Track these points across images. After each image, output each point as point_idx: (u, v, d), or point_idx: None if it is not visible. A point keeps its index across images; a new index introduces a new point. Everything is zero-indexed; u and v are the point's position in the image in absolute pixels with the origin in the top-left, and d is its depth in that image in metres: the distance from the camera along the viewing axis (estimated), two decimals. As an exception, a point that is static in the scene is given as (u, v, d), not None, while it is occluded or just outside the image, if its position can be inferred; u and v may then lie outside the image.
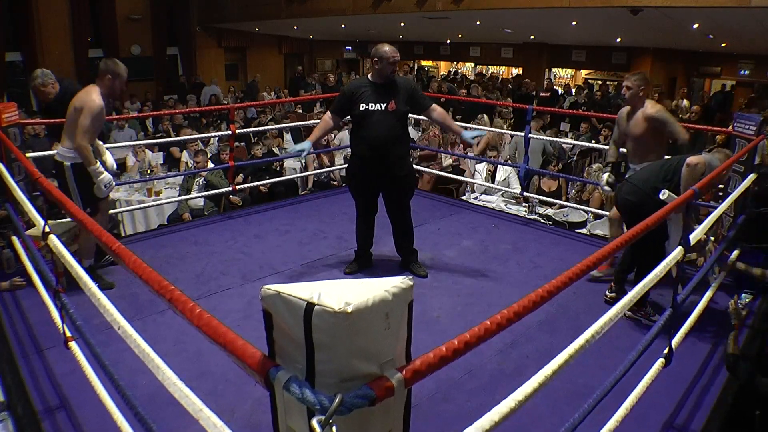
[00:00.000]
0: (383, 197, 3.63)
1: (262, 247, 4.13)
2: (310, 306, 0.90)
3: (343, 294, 0.90)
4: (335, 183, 6.52)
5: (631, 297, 1.76)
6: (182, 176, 6.04)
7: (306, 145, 3.45)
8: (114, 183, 3.47)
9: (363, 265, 3.78)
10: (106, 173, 3.35)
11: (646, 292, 2.72)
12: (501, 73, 15.92)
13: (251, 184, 5.90)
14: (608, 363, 2.30)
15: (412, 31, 13.98)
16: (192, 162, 6.20)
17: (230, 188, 5.13)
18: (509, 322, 1.10)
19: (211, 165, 5.99)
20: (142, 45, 13.71)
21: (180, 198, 5.62)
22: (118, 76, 3.26)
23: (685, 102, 10.95)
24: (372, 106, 3.36)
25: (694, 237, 2.24)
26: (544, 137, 6.66)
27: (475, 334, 1.02)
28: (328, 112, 3.60)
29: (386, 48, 3.35)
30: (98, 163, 3.34)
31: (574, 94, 12.37)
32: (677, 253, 2.08)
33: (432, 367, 0.98)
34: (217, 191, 5.32)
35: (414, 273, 3.65)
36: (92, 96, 3.20)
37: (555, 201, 5.22)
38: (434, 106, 3.54)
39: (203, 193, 5.50)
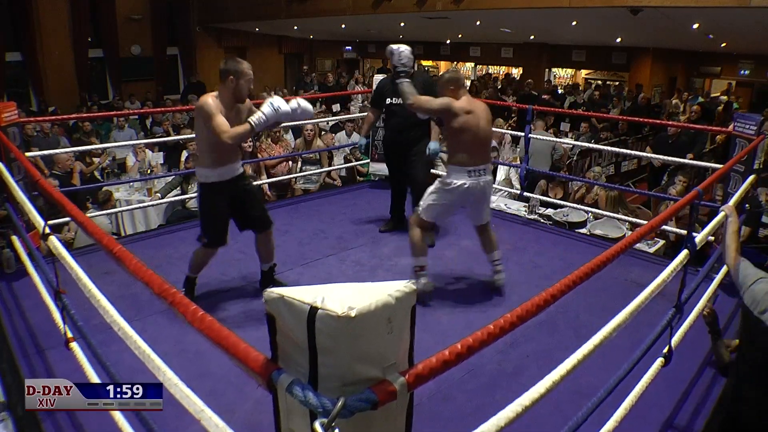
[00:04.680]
0: (403, 172, 4.29)
1: (263, 248, 4.13)
2: (313, 310, 0.91)
3: (346, 298, 0.90)
4: (337, 183, 6.51)
5: (636, 303, 1.75)
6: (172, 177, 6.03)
7: (363, 140, 4.68)
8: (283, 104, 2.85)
9: (397, 224, 4.45)
10: (266, 108, 2.83)
11: None
12: (501, 72, 15.90)
13: (257, 183, 5.88)
14: (609, 362, 2.30)
15: (412, 31, 13.96)
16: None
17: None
18: (512, 326, 1.11)
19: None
20: (142, 45, 13.71)
21: (178, 198, 5.62)
22: (243, 75, 2.88)
23: (675, 101, 11.01)
24: (395, 100, 4.09)
25: (699, 240, 2.24)
26: (552, 138, 6.65)
27: (477, 338, 1.02)
28: (370, 108, 4.52)
29: (391, 47, 3.86)
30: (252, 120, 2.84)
31: (577, 91, 12.38)
32: (684, 255, 2.08)
33: (435, 371, 0.98)
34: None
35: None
36: (202, 99, 2.90)
37: (555, 201, 5.22)
38: None
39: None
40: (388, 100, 4.20)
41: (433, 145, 4.06)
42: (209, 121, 2.83)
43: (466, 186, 3.22)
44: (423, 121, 4.09)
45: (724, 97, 11.92)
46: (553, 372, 1.24)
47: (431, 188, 3.34)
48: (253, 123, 2.83)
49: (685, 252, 2.10)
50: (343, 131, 7.62)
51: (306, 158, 6.64)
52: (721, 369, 2.59)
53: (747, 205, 3.82)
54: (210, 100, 2.87)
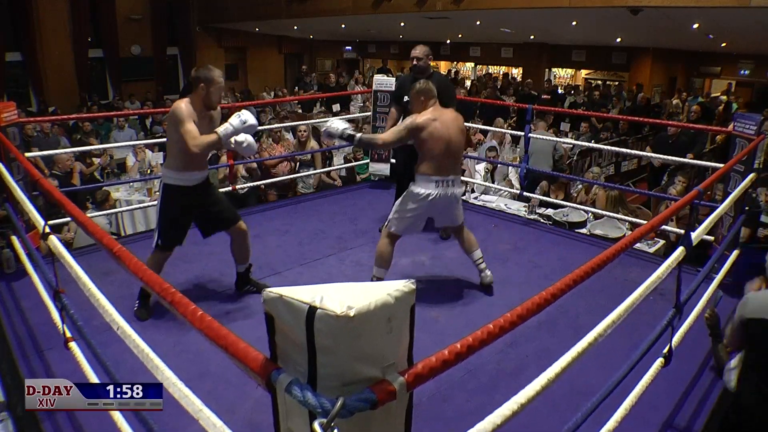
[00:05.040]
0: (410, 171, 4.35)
1: (262, 248, 4.12)
2: (312, 309, 0.90)
3: (345, 298, 0.90)
4: (337, 183, 6.51)
5: (634, 299, 1.75)
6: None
7: None
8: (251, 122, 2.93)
9: None
10: (234, 120, 2.88)
11: None
12: (501, 72, 15.90)
13: (251, 184, 5.89)
14: (608, 362, 2.30)
15: (412, 31, 13.97)
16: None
17: (230, 188, 5.12)
18: (512, 326, 1.10)
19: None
20: (142, 45, 13.72)
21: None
22: (213, 83, 2.90)
23: (676, 101, 11.01)
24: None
25: (696, 236, 2.23)
26: (553, 138, 6.65)
27: (477, 338, 1.02)
28: (392, 107, 4.50)
29: (415, 48, 4.15)
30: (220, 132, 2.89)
31: (578, 92, 12.36)
32: (679, 252, 2.07)
33: (434, 371, 0.97)
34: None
35: None
36: (175, 105, 2.92)
37: (555, 201, 5.22)
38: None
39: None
40: (405, 98, 4.16)
41: None
42: (179, 127, 2.84)
43: (432, 196, 3.17)
44: None
45: (724, 97, 11.93)
46: (549, 369, 1.24)
47: (399, 200, 3.32)
48: (219, 134, 2.87)
49: (680, 249, 2.10)
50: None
51: (301, 160, 6.64)
52: (720, 372, 2.59)
53: (746, 207, 3.82)
54: (183, 105, 2.87)
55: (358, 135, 3.25)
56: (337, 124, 3.24)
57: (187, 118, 2.85)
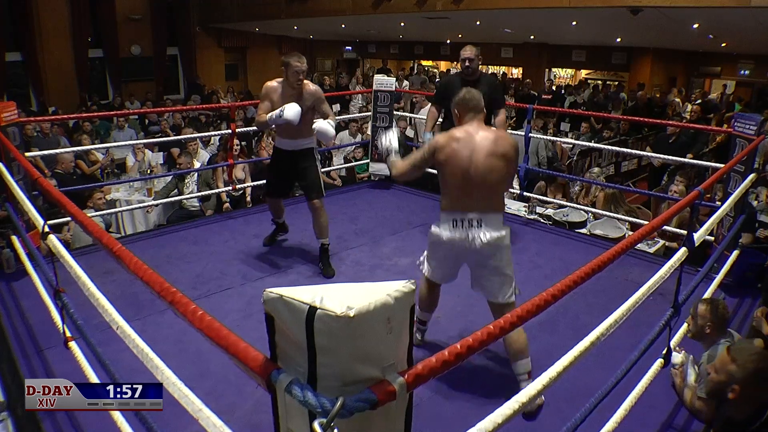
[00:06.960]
0: None
1: (262, 247, 4.13)
2: (312, 310, 0.90)
3: (345, 298, 0.90)
4: (337, 183, 6.51)
5: (635, 300, 1.75)
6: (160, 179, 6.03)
7: (429, 135, 4.22)
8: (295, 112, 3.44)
9: None
10: (276, 110, 3.45)
11: None
12: (501, 73, 15.88)
13: (251, 184, 5.88)
14: (608, 363, 2.31)
15: (412, 31, 13.98)
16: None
17: (230, 188, 5.12)
18: (512, 326, 1.10)
19: (197, 164, 5.97)
20: (142, 45, 13.71)
21: (177, 198, 5.61)
22: (288, 66, 3.51)
23: (677, 99, 11.00)
24: None
25: (698, 237, 2.24)
26: (543, 137, 6.64)
27: (477, 339, 1.02)
28: (433, 105, 4.33)
29: (465, 48, 4.07)
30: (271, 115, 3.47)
31: (578, 91, 12.36)
32: (682, 253, 2.08)
33: (434, 371, 0.97)
34: (215, 191, 5.31)
35: None
36: (266, 83, 3.62)
37: (555, 201, 5.21)
38: (502, 111, 3.94)
39: (203, 192, 5.48)
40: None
41: None
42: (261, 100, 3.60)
43: (447, 238, 2.46)
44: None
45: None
46: (550, 369, 1.24)
47: None
48: (266, 118, 3.49)
49: (683, 250, 2.10)
50: (346, 131, 7.62)
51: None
52: None
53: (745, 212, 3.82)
54: (267, 84, 3.59)
55: (393, 159, 2.72)
56: (392, 138, 2.75)
57: (263, 96, 3.57)
